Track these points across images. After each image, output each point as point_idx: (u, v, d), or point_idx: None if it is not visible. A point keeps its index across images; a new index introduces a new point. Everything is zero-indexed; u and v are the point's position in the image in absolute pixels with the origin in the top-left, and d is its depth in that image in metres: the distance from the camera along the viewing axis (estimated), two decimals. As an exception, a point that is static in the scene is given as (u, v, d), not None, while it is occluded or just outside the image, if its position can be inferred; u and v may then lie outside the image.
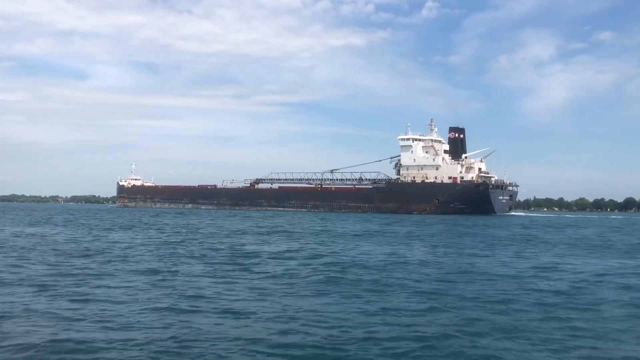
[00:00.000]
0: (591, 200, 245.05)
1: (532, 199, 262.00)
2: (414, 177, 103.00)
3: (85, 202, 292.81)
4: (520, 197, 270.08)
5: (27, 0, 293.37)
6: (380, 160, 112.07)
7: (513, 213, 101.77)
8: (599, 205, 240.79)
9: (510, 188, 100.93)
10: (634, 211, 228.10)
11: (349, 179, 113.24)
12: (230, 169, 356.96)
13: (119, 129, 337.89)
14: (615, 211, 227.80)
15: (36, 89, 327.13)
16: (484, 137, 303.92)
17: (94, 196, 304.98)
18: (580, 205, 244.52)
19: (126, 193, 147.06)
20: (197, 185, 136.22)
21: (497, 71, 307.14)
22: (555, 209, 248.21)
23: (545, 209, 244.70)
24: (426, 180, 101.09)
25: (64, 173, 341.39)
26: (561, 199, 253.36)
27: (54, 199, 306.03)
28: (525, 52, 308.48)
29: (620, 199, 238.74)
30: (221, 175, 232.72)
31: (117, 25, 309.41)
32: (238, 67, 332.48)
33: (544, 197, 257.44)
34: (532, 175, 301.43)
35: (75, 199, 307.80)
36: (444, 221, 64.00)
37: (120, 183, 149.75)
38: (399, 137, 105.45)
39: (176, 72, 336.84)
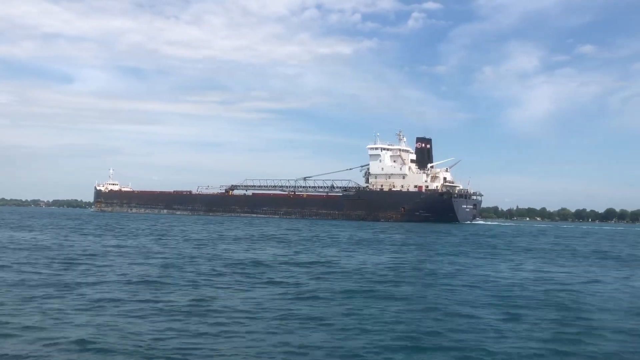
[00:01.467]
0: (573, 210, 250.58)
1: (514, 208, 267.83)
2: (382, 186, 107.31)
3: (67, 207, 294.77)
4: (504, 206, 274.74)
5: (13, 3, 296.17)
6: (351, 169, 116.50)
7: (476, 222, 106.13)
8: (581, 215, 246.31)
9: (474, 197, 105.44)
10: (614, 222, 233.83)
11: (321, 187, 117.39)
12: (215, 175, 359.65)
13: (104, 133, 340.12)
14: (597, 221, 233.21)
15: (21, 92, 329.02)
16: (467, 147, 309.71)
17: (76, 200, 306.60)
18: (562, 215, 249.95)
19: (103, 198, 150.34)
20: (172, 191, 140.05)
21: (482, 82, 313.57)
22: (538, 218, 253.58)
23: (527, 219, 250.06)
24: (393, 189, 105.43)
25: (47, 177, 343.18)
26: (544, 209, 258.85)
27: (36, 202, 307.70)
28: (510, 64, 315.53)
29: (601, 209, 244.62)
30: (206, 181, 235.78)
31: (103, 30, 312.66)
32: (225, 73, 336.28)
33: (527, 207, 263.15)
34: (516, 185, 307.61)
35: (57, 203, 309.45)
36: (411, 229, 67.91)
37: (98, 188, 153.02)
38: (368, 146, 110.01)
39: (163, 77, 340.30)
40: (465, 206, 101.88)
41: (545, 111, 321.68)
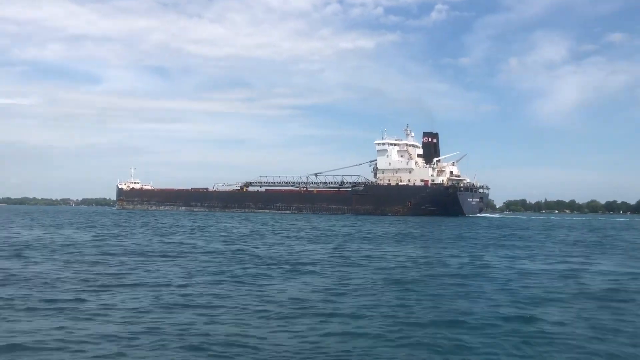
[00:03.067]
0: (603, 202, 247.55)
1: (543, 201, 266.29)
2: (389, 180, 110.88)
3: (96, 205, 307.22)
4: (531, 199, 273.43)
5: (42, 6, 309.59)
6: (360, 164, 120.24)
7: (483, 215, 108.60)
8: (611, 207, 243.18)
9: (481, 190, 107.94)
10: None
11: (332, 182, 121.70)
12: (237, 172, 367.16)
13: (130, 132, 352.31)
14: (628, 213, 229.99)
15: (48, 93, 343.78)
16: (491, 139, 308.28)
17: (104, 199, 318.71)
18: (592, 207, 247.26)
19: (125, 196, 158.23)
20: (190, 188, 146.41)
21: (507, 73, 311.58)
22: (567, 211, 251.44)
23: (556, 211, 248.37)
24: (400, 183, 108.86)
25: (75, 176, 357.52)
26: (573, 202, 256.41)
27: (65, 201, 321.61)
28: (536, 54, 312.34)
29: (632, 201, 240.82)
30: (228, 178, 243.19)
31: (128, 30, 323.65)
32: (248, 70, 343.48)
33: (555, 200, 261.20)
34: (543, 177, 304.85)
35: (86, 201, 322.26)
36: (418, 223, 71.23)
37: (120, 186, 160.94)
38: (376, 141, 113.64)
39: (187, 75, 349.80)
40: (471, 199, 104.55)
41: (573, 101, 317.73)
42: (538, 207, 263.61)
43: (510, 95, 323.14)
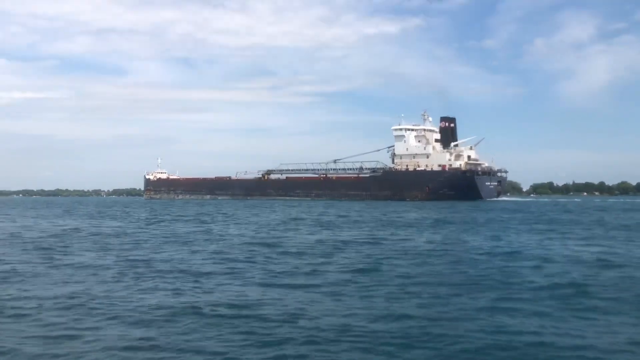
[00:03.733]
0: (634, 183, 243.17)
1: (571, 183, 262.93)
2: (407, 166, 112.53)
3: (127, 195, 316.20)
4: (559, 181, 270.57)
5: (69, 0, 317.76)
6: (379, 150, 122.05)
7: (501, 198, 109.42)
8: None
9: (499, 174, 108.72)
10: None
11: (351, 168, 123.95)
12: (263, 160, 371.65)
13: (157, 123, 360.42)
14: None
15: (77, 87, 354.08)
16: (518, 122, 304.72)
17: (134, 189, 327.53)
18: (623, 188, 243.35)
19: (152, 186, 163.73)
20: (214, 177, 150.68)
21: (534, 55, 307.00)
22: (596, 193, 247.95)
23: (585, 194, 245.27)
24: (418, 169, 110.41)
25: (106, 167, 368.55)
26: (602, 183, 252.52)
27: (97, 192, 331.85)
28: (563, 34, 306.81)
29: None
30: (253, 166, 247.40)
31: (153, 21, 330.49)
32: (272, 59, 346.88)
33: (584, 182, 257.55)
34: (571, 159, 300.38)
35: (117, 192, 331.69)
36: (434, 207, 73.26)
37: (147, 177, 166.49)
38: (393, 127, 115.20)
39: (212, 65, 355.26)
40: (488, 183, 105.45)
41: (602, 82, 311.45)
42: (566, 190, 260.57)
43: (536, 77, 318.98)
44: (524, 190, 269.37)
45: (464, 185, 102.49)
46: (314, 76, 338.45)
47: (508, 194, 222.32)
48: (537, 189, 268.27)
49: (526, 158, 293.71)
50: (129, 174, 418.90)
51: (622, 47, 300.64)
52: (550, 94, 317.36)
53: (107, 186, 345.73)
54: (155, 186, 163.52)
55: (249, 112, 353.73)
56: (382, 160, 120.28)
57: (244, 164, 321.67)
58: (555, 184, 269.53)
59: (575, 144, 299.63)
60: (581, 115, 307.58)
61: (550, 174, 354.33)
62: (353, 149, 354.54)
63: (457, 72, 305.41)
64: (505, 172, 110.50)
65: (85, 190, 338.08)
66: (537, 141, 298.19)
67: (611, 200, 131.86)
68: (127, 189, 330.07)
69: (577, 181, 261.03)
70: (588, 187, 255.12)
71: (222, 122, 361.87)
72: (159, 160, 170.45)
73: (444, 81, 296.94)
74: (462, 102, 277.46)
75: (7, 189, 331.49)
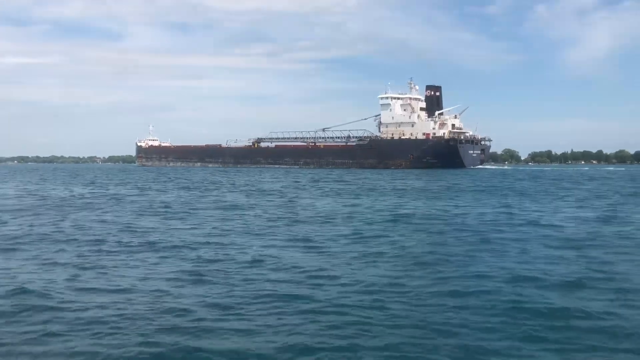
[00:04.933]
0: (632, 152, 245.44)
1: (569, 152, 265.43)
2: (392, 134, 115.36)
3: (122, 162, 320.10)
4: (557, 150, 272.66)
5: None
6: (366, 119, 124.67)
7: (484, 167, 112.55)
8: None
9: (482, 143, 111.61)
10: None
11: (339, 137, 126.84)
12: (260, 128, 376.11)
13: (152, 90, 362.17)
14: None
15: (71, 52, 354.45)
16: (518, 90, 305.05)
17: (130, 156, 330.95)
18: (620, 157, 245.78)
19: (143, 153, 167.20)
20: (204, 144, 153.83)
21: (536, 21, 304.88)
22: (594, 162, 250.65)
23: (582, 162, 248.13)
24: (403, 137, 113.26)
25: (101, 134, 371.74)
26: (600, 152, 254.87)
27: (92, 159, 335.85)
28: (565, 0, 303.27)
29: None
30: (250, 134, 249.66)
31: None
32: (270, 24, 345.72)
33: (582, 150, 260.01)
34: (571, 128, 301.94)
35: (112, 159, 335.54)
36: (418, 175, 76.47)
37: (139, 144, 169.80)
38: (379, 96, 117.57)
39: (208, 31, 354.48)
40: (472, 152, 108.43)
41: (605, 49, 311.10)
42: (564, 158, 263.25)
43: (538, 45, 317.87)
44: (522, 158, 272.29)
45: (446, 154, 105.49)
46: (312, 42, 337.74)
47: (506, 163, 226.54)
48: (535, 157, 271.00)
49: (525, 126, 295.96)
50: (124, 141, 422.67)
51: (625, 14, 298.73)
52: (551, 61, 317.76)
53: (102, 153, 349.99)
54: (146, 153, 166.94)
55: (246, 79, 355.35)
56: (370, 129, 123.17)
57: (239, 131, 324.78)
58: (553, 153, 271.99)
59: (575, 112, 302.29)
60: (582, 84, 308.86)
61: (549, 143, 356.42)
62: (348, 117, 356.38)
63: (456, 38, 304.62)
64: (489, 140, 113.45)
65: (81, 157, 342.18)
66: (536, 109, 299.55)
67: (604, 169, 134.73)
68: (123, 156, 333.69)
69: (576, 150, 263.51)
70: (586, 156, 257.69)
71: (218, 89, 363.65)
72: (151, 127, 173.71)
73: (443, 47, 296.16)
74: (460, 69, 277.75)
75: (1, 156, 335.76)
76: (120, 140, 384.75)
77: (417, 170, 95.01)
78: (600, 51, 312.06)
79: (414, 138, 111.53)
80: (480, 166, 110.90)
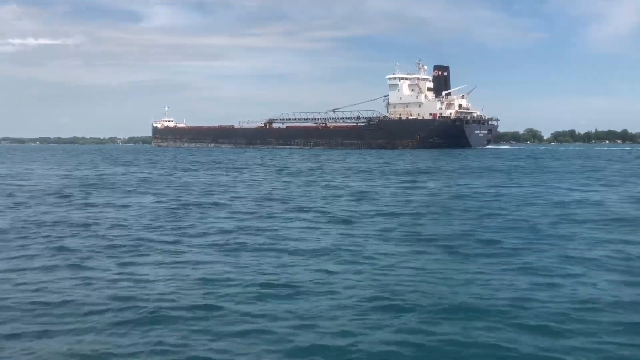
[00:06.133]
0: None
1: (593, 131, 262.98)
2: (400, 115, 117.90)
3: (143, 143, 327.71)
4: (580, 129, 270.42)
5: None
6: (375, 99, 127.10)
7: (491, 146, 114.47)
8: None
9: (489, 123, 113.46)
10: None
11: (349, 118, 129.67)
12: (276, 107, 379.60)
13: (171, 69, 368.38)
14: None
15: (92, 32, 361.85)
16: (539, 68, 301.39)
17: (149, 137, 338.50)
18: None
19: (159, 134, 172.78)
20: (217, 125, 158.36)
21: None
22: (618, 141, 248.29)
23: (607, 142, 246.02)
24: (410, 117, 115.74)
25: (121, 114, 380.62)
26: (625, 131, 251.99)
27: (113, 140, 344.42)
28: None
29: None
30: (267, 114, 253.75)
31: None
32: (288, 3, 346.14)
33: (606, 130, 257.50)
34: (595, 107, 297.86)
35: (132, 139, 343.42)
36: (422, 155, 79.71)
37: (155, 125, 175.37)
38: (387, 76, 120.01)
39: (227, 11, 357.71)
40: (478, 132, 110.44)
41: (632, 25, 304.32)
42: (587, 138, 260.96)
43: (561, 22, 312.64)
44: (545, 138, 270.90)
45: (453, 134, 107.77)
46: (330, 20, 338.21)
47: (515, 142, 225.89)
48: (558, 136, 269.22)
49: (548, 105, 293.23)
50: (143, 122, 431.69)
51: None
52: (575, 38, 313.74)
53: (122, 134, 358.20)
54: (162, 134, 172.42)
55: (264, 58, 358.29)
56: (380, 109, 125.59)
57: (255, 111, 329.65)
58: (577, 132, 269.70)
59: (599, 90, 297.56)
60: (606, 61, 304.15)
61: (572, 122, 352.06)
62: (362, 96, 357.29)
63: (477, 16, 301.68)
64: (497, 120, 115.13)
65: (102, 138, 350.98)
66: (559, 88, 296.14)
67: (615, 148, 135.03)
68: (143, 137, 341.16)
69: (600, 129, 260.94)
70: (610, 135, 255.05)
71: (236, 69, 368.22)
72: (166, 108, 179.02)
73: (464, 26, 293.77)
74: (481, 47, 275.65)
75: (23, 137, 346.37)
76: (139, 120, 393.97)
77: (428, 150, 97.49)
78: (625, 27, 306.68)
79: (421, 118, 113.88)
80: (487, 146, 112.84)
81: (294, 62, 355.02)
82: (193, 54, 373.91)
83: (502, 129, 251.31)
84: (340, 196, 24.60)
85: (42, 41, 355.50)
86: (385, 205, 20.93)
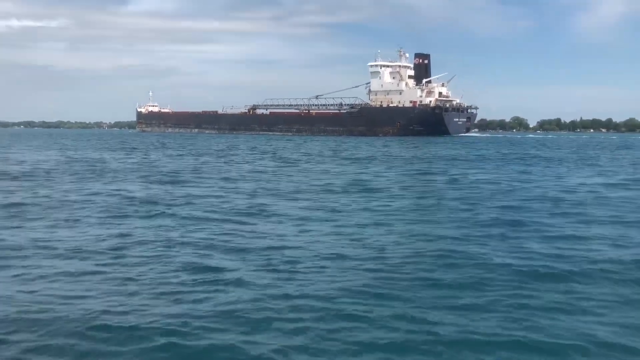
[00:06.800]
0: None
1: (578, 120, 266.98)
2: (381, 102, 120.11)
3: (129, 128, 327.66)
4: (566, 118, 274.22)
5: None
6: (357, 86, 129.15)
7: (469, 134, 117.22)
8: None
9: (469, 111, 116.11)
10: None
11: (332, 104, 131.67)
12: (262, 93, 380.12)
13: (158, 54, 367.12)
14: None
15: (77, 15, 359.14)
16: (530, 57, 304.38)
17: (135, 122, 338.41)
18: (630, 125, 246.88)
19: (143, 119, 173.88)
20: (201, 111, 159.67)
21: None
22: (603, 130, 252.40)
23: (591, 130, 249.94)
24: (391, 105, 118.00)
25: (107, 99, 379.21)
26: (610, 120, 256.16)
27: (98, 124, 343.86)
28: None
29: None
30: (252, 99, 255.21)
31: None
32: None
33: (592, 118, 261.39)
34: (581, 95, 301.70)
35: (118, 124, 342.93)
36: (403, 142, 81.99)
37: (139, 110, 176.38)
38: (369, 63, 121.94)
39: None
40: (457, 119, 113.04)
41: (618, 14, 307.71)
42: (573, 126, 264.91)
43: (550, 10, 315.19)
44: (531, 126, 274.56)
45: (432, 121, 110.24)
46: (318, 5, 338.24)
47: (501, 130, 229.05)
48: (544, 125, 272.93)
49: (535, 93, 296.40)
50: (129, 106, 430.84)
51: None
52: (563, 27, 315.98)
53: (108, 118, 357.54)
54: (146, 119, 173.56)
55: (250, 43, 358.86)
56: (362, 96, 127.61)
57: (240, 97, 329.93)
58: (562, 121, 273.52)
59: (585, 79, 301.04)
60: (593, 50, 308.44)
61: (558, 111, 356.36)
62: (347, 83, 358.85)
63: (467, 4, 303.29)
64: (475, 108, 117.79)
65: (87, 122, 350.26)
66: (545, 77, 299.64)
67: (585, 136, 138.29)
68: (129, 121, 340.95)
69: (585, 117, 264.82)
70: (595, 124, 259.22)
71: (222, 54, 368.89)
72: (151, 93, 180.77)
73: (453, 14, 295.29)
74: (470, 35, 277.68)
75: (7, 120, 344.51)
76: (124, 105, 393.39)
77: (407, 138, 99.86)
78: (612, 17, 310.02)
79: (402, 106, 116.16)
80: (465, 134, 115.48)
81: (280, 47, 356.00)
82: (180, 38, 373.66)
83: (489, 117, 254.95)
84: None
85: (25, 22, 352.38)
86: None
